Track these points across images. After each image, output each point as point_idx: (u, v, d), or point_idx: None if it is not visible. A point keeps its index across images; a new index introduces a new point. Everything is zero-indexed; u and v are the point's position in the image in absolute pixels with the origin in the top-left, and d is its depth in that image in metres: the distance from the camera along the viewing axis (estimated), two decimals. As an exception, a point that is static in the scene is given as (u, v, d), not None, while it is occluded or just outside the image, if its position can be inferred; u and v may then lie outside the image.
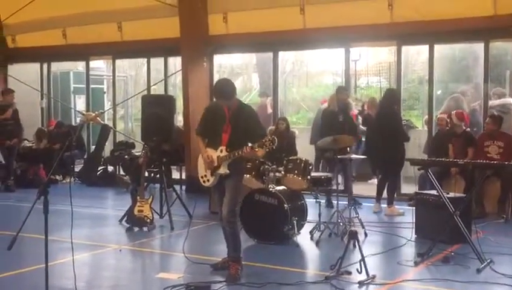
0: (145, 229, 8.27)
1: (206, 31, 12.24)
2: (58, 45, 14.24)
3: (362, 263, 5.76)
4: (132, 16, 12.93)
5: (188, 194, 11.49)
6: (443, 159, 8.36)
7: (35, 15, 13.83)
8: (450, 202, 6.79)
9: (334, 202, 8.23)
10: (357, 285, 5.69)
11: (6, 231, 6.92)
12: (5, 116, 11.86)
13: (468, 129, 9.98)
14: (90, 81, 14.88)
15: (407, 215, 8.83)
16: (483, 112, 10.43)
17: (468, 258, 6.46)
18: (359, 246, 5.86)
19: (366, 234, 7.87)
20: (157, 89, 14.23)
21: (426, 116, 11.68)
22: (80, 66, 16.48)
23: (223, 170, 5.95)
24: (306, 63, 18.32)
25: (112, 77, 14.76)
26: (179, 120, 13.58)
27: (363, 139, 11.49)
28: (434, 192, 7.41)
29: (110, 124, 14.54)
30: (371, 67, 16.95)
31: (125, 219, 8.59)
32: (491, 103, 10.62)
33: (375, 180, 11.62)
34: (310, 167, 7.93)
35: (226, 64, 16.34)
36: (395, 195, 9.83)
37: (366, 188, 11.52)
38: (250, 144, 5.79)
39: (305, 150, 10.76)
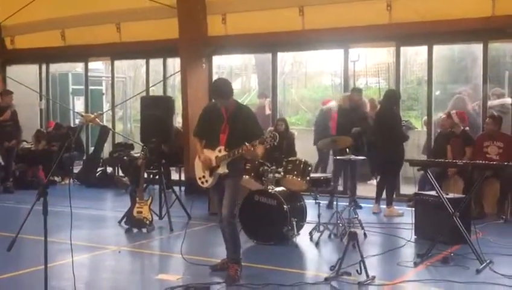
0: (144, 230, 8.26)
1: (205, 32, 12.24)
2: (56, 46, 14.24)
3: (362, 264, 5.75)
4: (131, 17, 12.93)
5: (187, 195, 11.48)
6: (442, 159, 8.37)
7: (33, 16, 13.83)
8: (449, 203, 6.79)
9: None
10: (357, 286, 5.68)
11: (6, 233, 6.91)
12: (4, 118, 11.85)
13: (468, 128, 9.98)
14: (88, 83, 14.87)
15: (406, 216, 8.84)
16: (482, 112, 10.43)
17: (467, 259, 6.45)
18: (359, 247, 5.85)
19: (365, 235, 7.87)
20: (156, 90, 14.23)
21: (425, 117, 11.68)
22: (79, 67, 16.49)
23: (222, 170, 5.93)
24: (305, 64, 18.36)
25: (110, 78, 14.75)
26: (178, 121, 13.58)
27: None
28: (433, 193, 7.41)
29: (109, 125, 14.53)
30: (369, 68, 16.96)
31: (124, 220, 8.58)
32: (490, 103, 10.62)
33: (374, 181, 11.63)
34: (309, 168, 7.92)
35: (225, 65, 16.37)
36: (394, 196, 9.83)
37: (366, 188, 11.52)
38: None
39: (304, 150, 10.76)
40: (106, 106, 16.48)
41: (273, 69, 12.26)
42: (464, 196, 7.67)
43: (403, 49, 11.21)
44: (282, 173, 7.84)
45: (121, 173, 13.36)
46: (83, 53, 14.22)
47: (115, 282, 6.19)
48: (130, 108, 18.15)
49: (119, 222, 8.72)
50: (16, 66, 15.40)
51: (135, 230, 8.31)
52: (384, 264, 6.70)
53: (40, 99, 15.38)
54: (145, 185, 8.86)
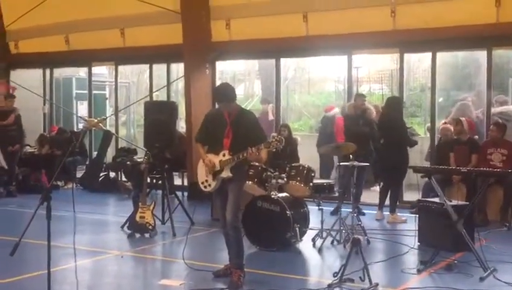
0: (146, 235, 8.25)
1: (209, 38, 12.26)
2: (60, 51, 14.27)
3: (365, 270, 5.73)
4: (135, 22, 12.96)
5: (190, 200, 11.46)
6: (445, 166, 8.35)
7: (37, 21, 13.88)
8: (453, 210, 6.77)
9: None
10: (360, 293, 5.67)
11: (9, 237, 6.90)
12: (8, 122, 11.86)
13: (476, 137, 9.96)
14: (92, 87, 14.90)
15: (409, 223, 8.82)
16: (486, 119, 10.41)
17: (471, 266, 6.43)
18: (362, 253, 5.83)
19: (368, 242, 7.84)
20: (160, 95, 14.23)
21: (428, 124, 11.67)
22: (82, 72, 16.50)
23: (226, 174, 5.93)
24: (308, 69, 18.34)
25: (114, 83, 14.78)
26: (181, 126, 13.58)
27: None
28: (437, 200, 7.39)
29: (112, 130, 14.54)
30: (373, 74, 16.96)
31: (127, 225, 8.58)
32: (493, 110, 10.61)
33: (377, 188, 11.61)
34: (313, 174, 7.91)
35: (229, 70, 16.35)
36: (398, 202, 9.80)
37: (369, 195, 11.49)
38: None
39: (307, 156, 10.74)
40: (109, 111, 16.48)
41: (277, 75, 12.26)
42: (467, 203, 7.66)
43: (406, 55, 11.23)
44: (285, 179, 7.82)
45: (124, 178, 13.36)
46: (86, 58, 14.25)
47: (117, 287, 6.19)
48: (134, 113, 18.16)
49: (122, 227, 8.72)
50: (20, 71, 15.42)
51: (138, 235, 8.31)
52: (388, 271, 6.69)
53: (44, 104, 15.40)
54: (148, 190, 8.85)
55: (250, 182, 7.66)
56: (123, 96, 17.38)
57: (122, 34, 13.34)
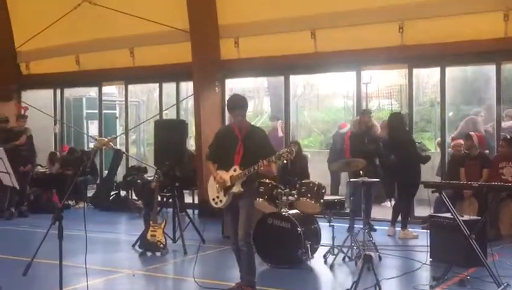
0: (158, 254, 8.25)
1: (218, 56, 12.33)
2: (71, 71, 14.40)
3: (377, 287, 5.69)
4: (144, 41, 13.06)
5: (201, 218, 11.47)
6: (457, 181, 8.31)
7: (48, 42, 14.03)
8: (464, 225, 6.73)
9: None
10: (373, 309, 5.63)
11: (21, 257, 6.92)
12: (20, 142, 11.94)
13: (487, 151, 9.91)
14: (102, 107, 14.99)
15: (421, 239, 8.77)
16: (496, 134, 10.38)
17: (484, 282, 6.38)
18: (374, 270, 5.80)
19: (380, 258, 7.80)
20: (169, 114, 14.30)
21: (438, 139, 11.64)
22: (93, 91, 16.63)
23: (237, 189, 5.96)
24: (317, 86, 18.39)
25: (124, 102, 14.86)
26: (191, 144, 13.62)
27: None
28: (448, 215, 7.35)
29: (123, 149, 14.60)
30: (382, 90, 16.97)
31: (138, 243, 8.58)
32: (503, 124, 10.57)
33: (388, 203, 11.58)
34: (323, 191, 7.89)
35: (238, 88, 16.41)
36: (409, 218, 9.75)
37: (380, 211, 11.46)
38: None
39: (317, 173, 10.74)
40: (120, 130, 16.58)
41: (286, 92, 12.29)
42: (479, 217, 7.61)
43: (415, 70, 11.23)
44: (295, 196, 7.81)
45: (134, 197, 13.38)
46: (96, 78, 14.36)
47: (129, 306, 6.17)
48: (144, 132, 18.25)
49: (133, 246, 8.73)
50: (31, 91, 15.56)
51: (149, 254, 8.30)
52: (400, 287, 6.64)
53: (55, 124, 15.51)
54: (158, 208, 8.87)
55: (260, 199, 7.67)
56: (133, 115, 17.49)
57: (131, 53, 13.44)
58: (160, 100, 14.06)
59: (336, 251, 7.76)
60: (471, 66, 13.07)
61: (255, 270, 6.13)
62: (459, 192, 9.23)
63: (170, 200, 9.28)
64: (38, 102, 15.09)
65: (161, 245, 8.25)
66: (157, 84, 14.13)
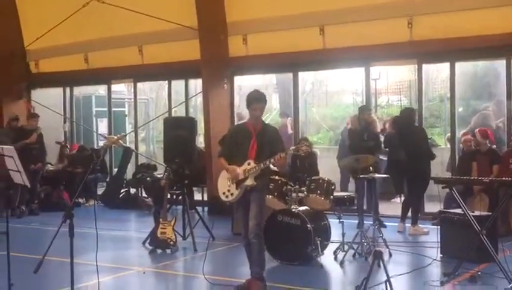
0: (168, 251, 8.27)
1: (226, 53, 12.33)
2: (80, 69, 14.43)
3: (388, 283, 5.68)
4: (153, 39, 13.07)
5: (211, 215, 11.48)
6: (467, 177, 8.28)
7: (57, 41, 14.06)
8: (475, 221, 6.70)
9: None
10: (383, 306, 5.62)
11: (32, 255, 6.95)
12: (31, 141, 11.99)
13: (494, 146, 9.86)
14: (112, 105, 15.01)
15: (431, 235, 8.74)
16: (506, 129, 10.32)
17: (495, 278, 6.36)
18: (384, 266, 5.78)
19: (390, 254, 7.79)
20: (178, 111, 14.32)
21: (448, 134, 11.58)
22: (102, 89, 16.66)
23: (251, 181, 6.00)
24: (326, 82, 18.34)
25: (133, 100, 14.89)
26: (200, 141, 13.64)
27: (384, 158, 11.43)
28: (459, 211, 7.33)
29: (132, 146, 14.64)
30: (391, 86, 16.91)
31: (148, 241, 8.61)
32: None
33: (398, 199, 11.54)
34: (333, 187, 7.89)
35: (246, 85, 16.42)
36: (419, 214, 9.72)
37: (389, 207, 11.43)
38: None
39: (327, 169, 10.72)
40: (129, 128, 16.61)
41: (295, 89, 12.27)
42: (490, 213, 7.57)
43: (424, 66, 11.18)
44: (305, 193, 7.82)
45: (144, 194, 13.42)
46: (105, 76, 14.39)
47: (140, 303, 6.19)
48: (153, 129, 18.27)
49: (143, 243, 8.76)
50: (40, 90, 15.61)
51: (159, 251, 8.33)
52: (411, 283, 6.63)
53: (64, 122, 15.56)
54: (168, 205, 8.89)
55: (270, 196, 7.67)
56: (142, 112, 17.51)
57: (140, 51, 13.46)
58: (169, 98, 14.06)
59: (346, 247, 7.76)
60: (481, 61, 12.99)
61: (264, 263, 6.14)
62: (469, 188, 9.19)
63: (180, 197, 9.30)
64: (47, 100, 15.14)
65: (171, 242, 8.27)
66: (166, 82, 14.14)
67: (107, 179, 14.20)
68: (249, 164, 6.01)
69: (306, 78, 16.17)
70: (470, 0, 9.98)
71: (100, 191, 14.09)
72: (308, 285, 6.49)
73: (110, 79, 14.63)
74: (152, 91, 18.62)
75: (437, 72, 15.05)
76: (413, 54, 10.72)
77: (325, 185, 7.81)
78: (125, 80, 15.35)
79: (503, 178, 7.91)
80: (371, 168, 8.06)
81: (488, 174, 9.15)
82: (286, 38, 11.60)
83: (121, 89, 17.62)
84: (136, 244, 9.04)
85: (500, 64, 10.80)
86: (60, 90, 15.53)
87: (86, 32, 13.64)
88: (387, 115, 15.10)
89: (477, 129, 9.95)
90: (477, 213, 7.37)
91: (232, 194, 6.13)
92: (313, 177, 8.08)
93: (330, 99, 19.04)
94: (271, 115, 17.23)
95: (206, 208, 12.09)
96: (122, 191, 13.68)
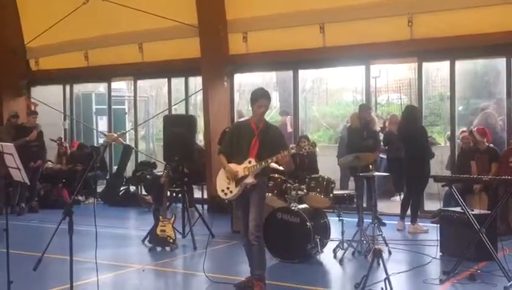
0: (167, 249, 8.27)
1: (227, 51, 12.33)
2: (80, 67, 14.43)
3: (387, 281, 5.68)
4: (153, 37, 13.07)
5: (210, 213, 11.49)
6: (467, 175, 8.28)
7: (57, 38, 14.06)
8: (475, 219, 6.70)
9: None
10: (383, 304, 5.62)
11: (32, 252, 6.96)
12: (31, 138, 11.99)
13: (492, 145, 9.86)
14: (111, 102, 15.01)
15: (431, 233, 8.75)
16: (506, 127, 10.32)
17: (494, 276, 6.36)
18: (384, 264, 5.79)
19: (390, 252, 7.80)
20: (178, 109, 14.33)
21: (448, 133, 11.58)
22: (102, 87, 16.66)
23: (251, 180, 5.95)
24: (326, 80, 18.33)
25: (133, 98, 14.89)
26: (200, 139, 13.64)
27: (383, 156, 11.44)
28: (458, 209, 7.33)
29: (132, 144, 14.64)
30: (391, 84, 16.90)
31: (147, 238, 8.61)
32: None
33: (397, 198, 11.55)
34: (333, 185, 7.89)
35: (247, 83, 16.42)
36: (418, 212, 9.72)
37: (389, 205, 11.43)
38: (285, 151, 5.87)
39: (327, 167, 10.72)
40: (129, 125, 16.61)
41: (295, 87, 12.27)
42: (489, 212, 7.58)
43: (424, 64, 11.17)
44: (305, 190, 7.81)
45: (144, 192, 13.42)
46: (105, 73, 14.39)
47: (139, 301, 6.19)
48: (153, 127, 18.28)
49: (143, 241, 8.75)
50: (40, 87, 15.61)
51: (159, 248, 8.33)
52: (410, 281, 6.63)
53: (64, 120, 15.56)
54: (168, 203, 8.88)
55: (269, 194, 7.66)
56: (142, 110, 17.52)
57: (140, 49, 13.46)
58: (169, 95, 14.05)
59: (345, 245, 7.76)
60: (481, 60, 12.99)
61: (265, 265, 6.13)
62: (469, 186, 9.19)
63: (179, 195, 9.29)
64: (47, 98, 15.14)
65: (171, 240, 8.27)
66: (166, 80, 14.14)
67: (107, 177, 14.21)
68: (249, 162, 5.96)
69: (306, 76, 16.16)
70: (471, -1, 9.99)
71: (100, 188, 14.09)
72: (307, 283, 6.49)
73: (110, 77, 14.63)
74: (152, 89, 18.62)
75: (437, 71, 15.03)
76: (413, 52, 10.71)
77: (325, 183, 7.80)
78: (125, 78, 15.36)
79: (503, 176, 7.91)
80: (370, 166, 8.06)
81: (487, 173, 9.16)
82: (286, 36, 11.59)
83: (121, 86, 17.62)
84: (136, 242, 9.04)
85: (500, 63, 10.80)
86: (60, 87, 15.52)
87: (86, 29, 13.64)
88: (387, 113, 15.09)
89: (475, 128, 9.95)
90: (476, 211, 7.37)
91: (231, 192, 6.08)
92: (312, 175, 8.07)
93: (330, 98, 19.03)
94: (271, 113, 17.21)
95: (205, 206, 12.09)
96: (121, 188, 13.68)
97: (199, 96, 14.15)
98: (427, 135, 9.89)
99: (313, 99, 18.47)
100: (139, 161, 14.23)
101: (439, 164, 11.73)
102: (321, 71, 16.26)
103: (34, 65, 15.40)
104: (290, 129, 12.87)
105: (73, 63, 14.45)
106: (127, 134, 15.49)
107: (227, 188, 6.11)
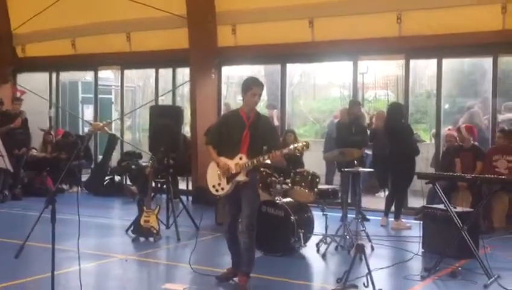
0: (151, 239, 8.26)
1: (215, 43, 12.29)
2: (67, 54, 14.33)
3: (369, 276, 5.71)
4: (141, 26, 13.00)
5: (195, 205, 11.48)
6: (451, 173, 8.33)
7: (44, 25, 13.95)
8: (457, 217, 6.75)
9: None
10: (364, 299, 5.65)
11: (14, 240, 6.93)
12: (15, 125, 11.90)
13: (477, 143, 9.93)
14: (98, 91, 14.94)
15: (414, 230, 8.80)
16: (491, 126, 10.39)
17: (475, 274, 6.41)
18: (366, 259, 5.82)
19: (372, 248, 7.83)
20: (165, 100, 14.29)
21: (434, 130, 11.65)
22: (88, 76, 16.56)
23: (242, 177, 5.82)
24: (313, 75, 18.34)
25: (120, 87, 14.82)
26: (186, 131, 13.61)
27: (369, 152, 11.49)
28: (442, 206, 7.38)
29: (118, 134, 14.58)
30: (378, 80, 16.95)
31: (131, 229, 8.59)
32: (501, 117, 10.57)
33: (382, 194, 11.61)
34: (317, 180, 7.90)
35: (234, 75, 16.39)
36: (402, 209, 9.78)
37: (373, 201, 11.48)
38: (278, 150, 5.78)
39: (312, 162, 10.73)
40: (115, 115, 16.53)
41: (282, 80, 12.27)
42: (472, 210, 7.64)
43: (412, 62, 11.23)
44: (289, 184, 7.82)
45: (129, 182, 13.38)
46: (92, 62, 14.30)
47: (121, 291, 6.18)
48: (139, 117, 18.20)
49: (127, 231, 8.74)
50: (26, 74, 15.48)
51: (142, 239, 8.31)
52: (391, 277, 6.67)
53: (50, 107, 15.45)
54: (152, 194, 8.86)
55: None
56: (129, 100, 17.44)
57: (128, 38, 13.39)
58: (156, 86, 14.00)
59: (328, 240, 7.79)
60: (468, 59, 13.06)
61: (253, 263, 6.04)
62: (453, 183, 9.26)
63: (164, 186, 9.27)
64: (33, 85, 15.02)
65: (154, 231, 8.26)
66: (154, 70, 14.08)
67: (92, 166, 14.15)
68: (240, 159, 5.81)
69: (294, 70, 16.16)
70: (460, -2, 10.03)
71: (84, 177, 14.02)
72: (289, 277, 6.50)
73: (97, 65, 14.55)
74: (139, 79, 18.53)
75: (424, 68, 15.10)
76: (401, 49, 10.76)
77: (310, 177, 7.81)
78: (113, 67, 15.26)
79: (486, 175, 7.98)
80: (355, 162, 8.09)
81: (472, 171, 9.22)
82: (275, 29, 11.59)
83: (108, 75, 17.52)
84: (119, 232, 9.02)
85: (487, 62, 10.86)
86: (46, 75, 15.40)
87: (73, 17, 13.54)
88: (374, 109, 15.13)
89: (463, 125, 10.00)
90: (459, 209, 7.42)
91: (222, 189, 5.93)
92: (297, 170, 8.07)
93: (318, 93, 19.05)
94: (258, 107, 17.21)
95: (190, 198, 12.08)
96: (106, 178, 13.63)
97: (186, 88, 14.11)
98: (412, 132, 9.94)
99: (300, 94, 18.48)
100: (124, 151, 14.18)
101: (424, 161, 11.78)
102: (309, 66, 16.29)
103: (21, 52, 15.27)
104: (276, 123, 12.87)
105: (60, 50, 14.35)
106: (113, 123, 15.42)
107: (219, 184, 5.95)
